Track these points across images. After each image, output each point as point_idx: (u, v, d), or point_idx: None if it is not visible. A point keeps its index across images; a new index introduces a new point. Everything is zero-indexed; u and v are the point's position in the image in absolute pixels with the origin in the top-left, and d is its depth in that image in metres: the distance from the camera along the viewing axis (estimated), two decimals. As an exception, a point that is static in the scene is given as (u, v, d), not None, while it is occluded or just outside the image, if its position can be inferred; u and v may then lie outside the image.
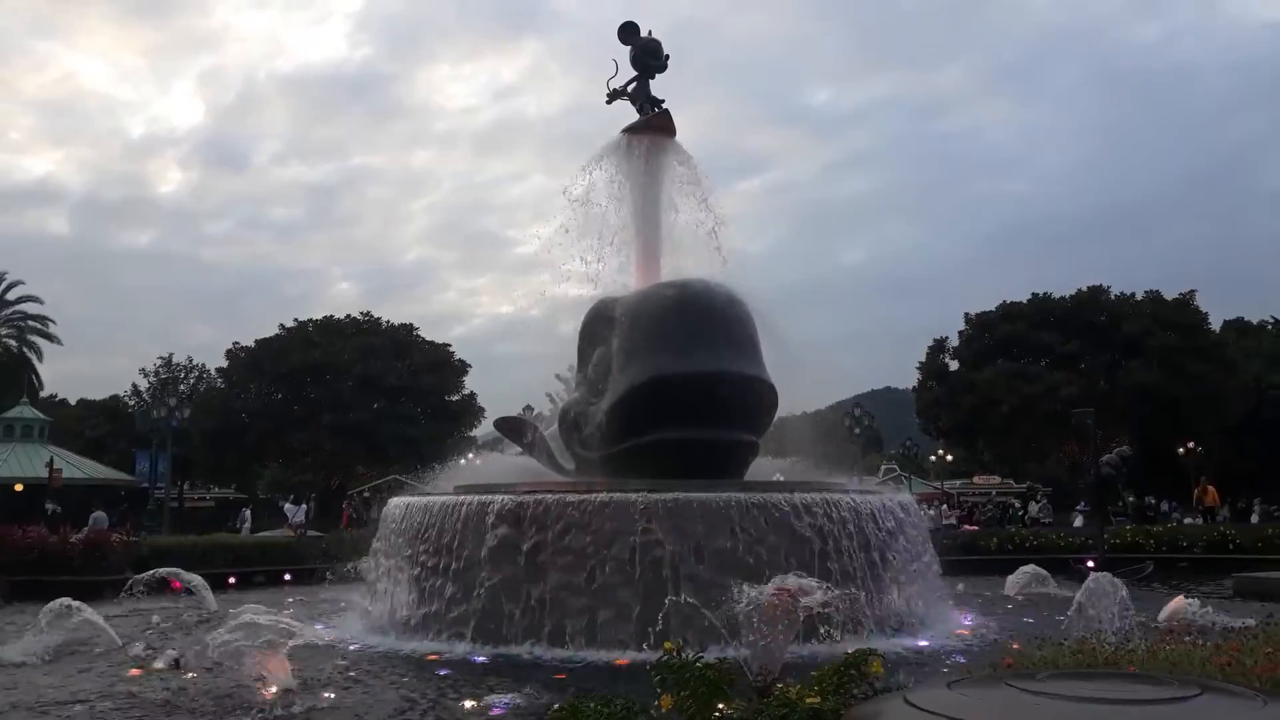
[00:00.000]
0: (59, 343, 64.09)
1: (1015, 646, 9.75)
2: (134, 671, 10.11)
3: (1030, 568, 18.36)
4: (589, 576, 11.56)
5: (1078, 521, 34.66)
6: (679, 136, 17.13)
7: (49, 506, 33.60)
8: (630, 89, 17.49)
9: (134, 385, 59.54)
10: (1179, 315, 46.03)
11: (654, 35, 17.54)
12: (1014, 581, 18.14)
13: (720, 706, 4.07)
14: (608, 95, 17.70)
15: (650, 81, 17.45)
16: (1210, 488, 34.70)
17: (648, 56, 17.43)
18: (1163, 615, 11.90)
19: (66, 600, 11.96)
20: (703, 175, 17.15)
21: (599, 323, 15.30)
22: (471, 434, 51.86)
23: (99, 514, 29.36)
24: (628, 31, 17.53)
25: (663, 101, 17.36)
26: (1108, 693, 2.68)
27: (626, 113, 17.49)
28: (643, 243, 16.90)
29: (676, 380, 13.35)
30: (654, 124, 17.04)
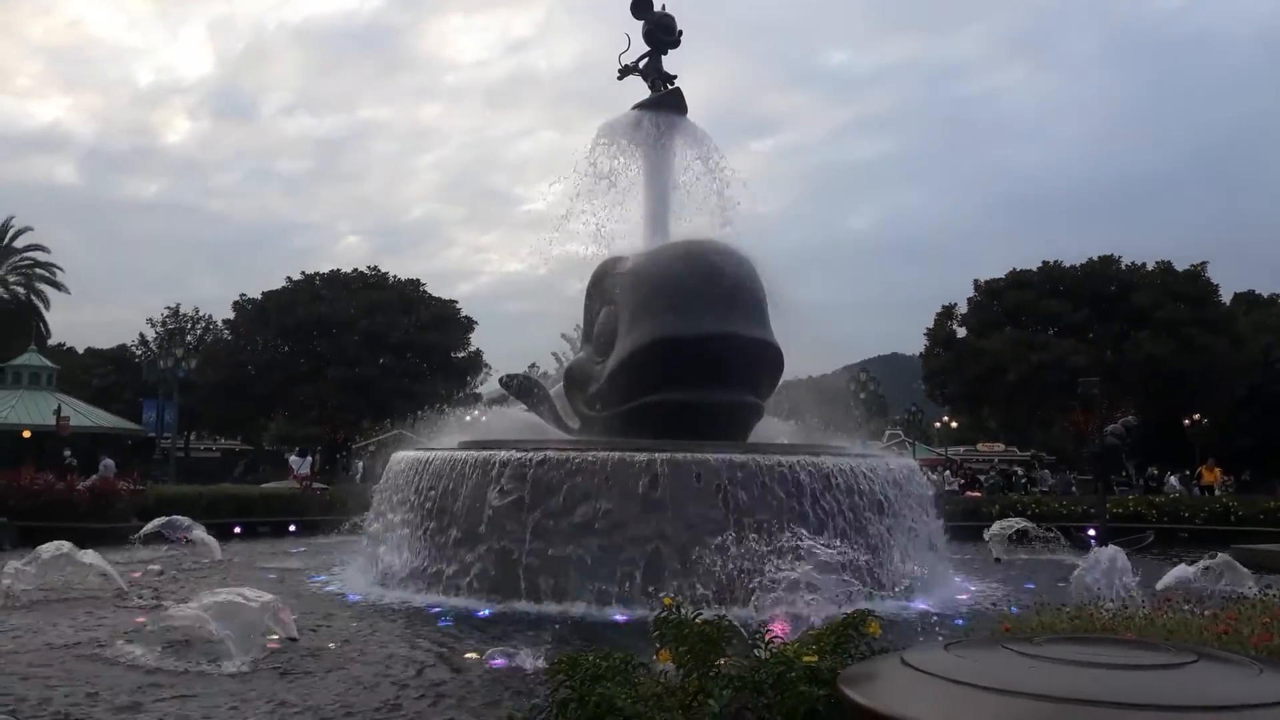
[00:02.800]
0: (67, 291, 64.26)
1: (1014, 611, 9.82)
2: (139, 619, 10.22)
3: (1014, 521, 18.54)
4: (591, 534, 11.62)
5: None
6: (690, 109, 16.95)
7: (66, 454, 33.80)
8: (642, 65, 17.30)
9: (141, 335, 59.71)
10: (1189, 287, 45.75)
11: (666, 9, 17.32)
12: (996, 533, 18.30)
13: (718, 662, 4.10)
14: (619, 71, 17.50)
15: (663, 56, 17.26)
16: (1212, 468, 34.83)
17: (660, 31, 17.21)
18: (1161, 583, 11.96)
19: (63, 544, 12.05)
20: (714, 150, 16.96)
21: (605, 282, 15.27)
22: (477, 391, 51.99)
23: (108, 461, 29.58)
24: (640, 6, 17.28)
25: (675, 78, 17.17)
26: (1104, 658, 2.68)
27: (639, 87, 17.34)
28: (651, 215, 16.81)
29: (681, 341, 13.34)
30: (666, 102, 16.86)
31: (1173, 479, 37.32)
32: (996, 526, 18.68)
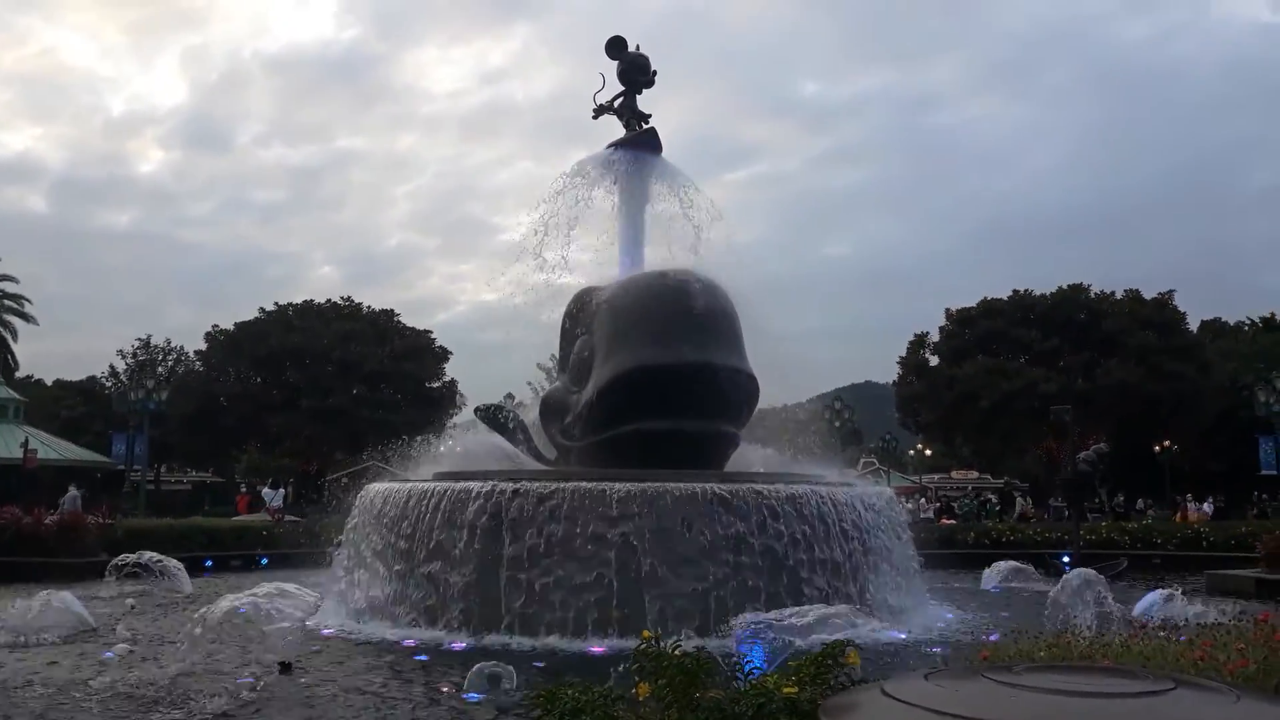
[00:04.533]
0: (35, 322, 63.37)
1: (992, 639, 9.84)
2: (105, 656, 10.04)
3: (1008, 563, 18.57)
4: (567, 565, 11.55)
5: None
6: (665, 139, 17.02)
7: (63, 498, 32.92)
8: (617, 104, 17.43)
9: (111, 366, 59.01)
10: (1157, 314, 46.36)
11: (640, 49, 17.46)
12: (991, 575, 18.33)
13: (697, 695, 4.08)
14: (595, 110, 17.61)
15: (638, 96, 17.39)
16: (1186, 510, 35.32)
17: (635, 72, 17.36)
18: (1138, 608, 12.02)
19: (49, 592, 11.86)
20: (689, 186, 17.03)
21: (581, 312, 15.29)
22: (451, 422, 51.72)
23: (73, 493, 29.05)
24: (615, 46, 17.43)
25: (649, 117, 17.31)
26: (1083, 686, 2.69)
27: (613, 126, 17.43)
28: (626, 246, 16.86)
29: (658, 370, 13.36)
30: (641, 141, 16.97)
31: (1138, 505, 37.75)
32: (993, 571, 18.63)
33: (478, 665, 8.54)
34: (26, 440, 40.08)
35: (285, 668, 9.04)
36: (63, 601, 11.81)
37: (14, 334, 62.21)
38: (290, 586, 8.83)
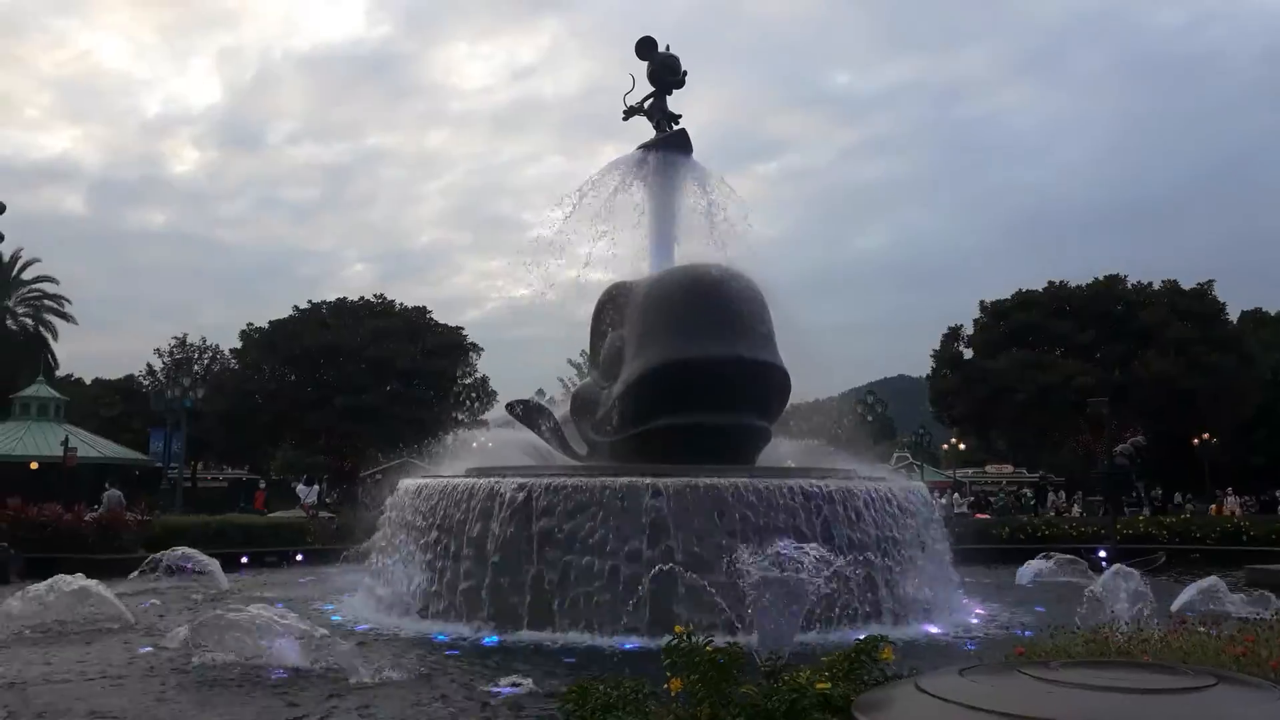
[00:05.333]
0: (74, 322, 64.34)
1: (1027, 634, 9.73)
2: (146, 650, 10.16)
3: (1056, 555, 18.36)
4: (598, 560, 11.55)
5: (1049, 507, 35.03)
6: (694, 133, 16.94)
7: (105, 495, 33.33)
8: (647, 105, 17.38)
9: (148, 365, 59.72)
10: (1196, 305, 45.60)
11: (670, 49, 17.39)
12: (1027, 570, 18.15)
13: (729, 690, 4.05)
14: (625, 112, 17.57)
15: (668, 96, 17.33)
16: (1223, 505, 34.88)
17: (665, 72, 17.29)
18: (1177, 603, 11.85)
19: (76, 578, 12.03)
20: (719, 185, 16.95)
21: (612, 307, 15.28)
22: (483, 418, 51.93)
23: (113, 492, 29.47)
24: (645, 47, 17.37)
25: (679, 117, 17.25)
26: (1122, 682, 2.63)
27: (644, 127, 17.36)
28: (657, 244, 16.81)
29: (689, 365, 13.33)
30: (671, 143, 16.90)
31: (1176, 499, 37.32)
32: (1036, 563, 18.49)
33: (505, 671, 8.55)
34: (67, 439, 40.67)
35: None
36: (97, 590, 11.99)
37: (54, 334, 63.18)
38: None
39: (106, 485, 30.79)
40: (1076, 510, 36.85)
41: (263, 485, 48.91)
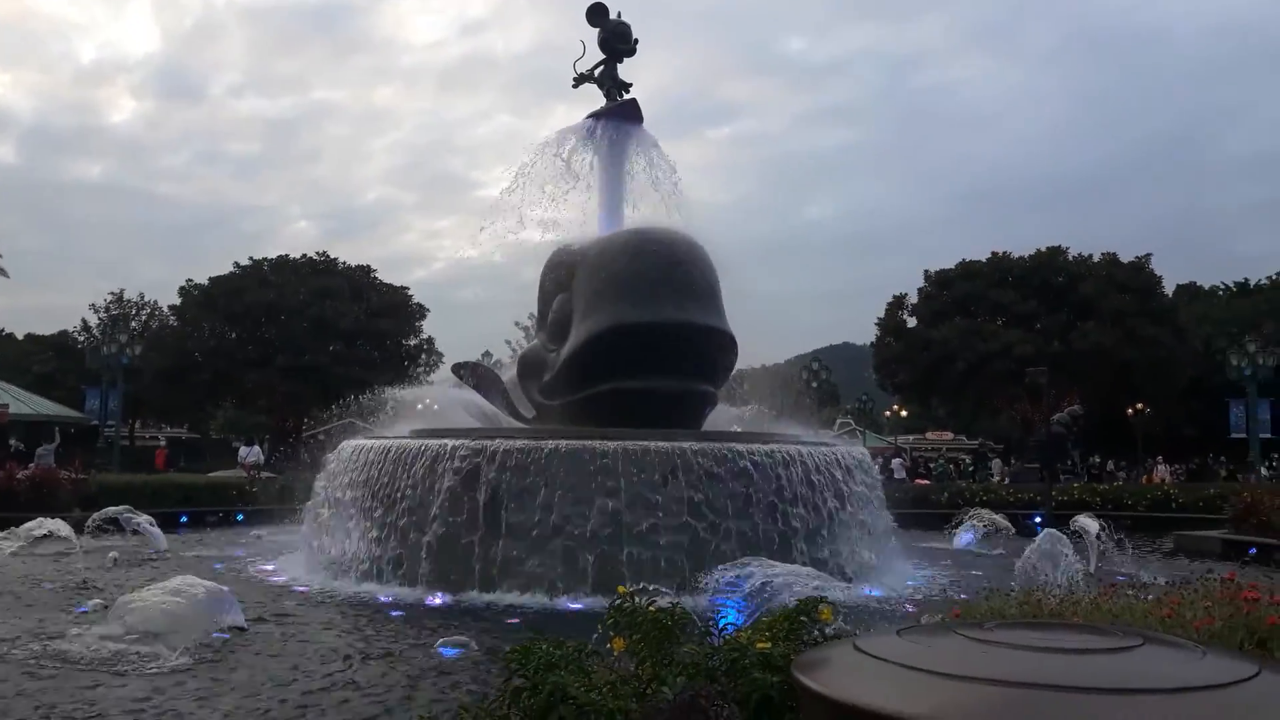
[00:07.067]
0: (5, 275, 62.62)
1: (963, 597, 9.96)
2: (79, 611, 10.01)
3: (985, 513, 18.80)
4: (544, 523, 11.58)
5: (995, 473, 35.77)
6: (647, 96, 16.93)
7: (12, 442, 32.88)
8: (597, 73, 17.16)
9: (84, 321, 58.43)
10: (1134, 278, 46.59)
11: (623, 18, 17.18)
12: (966, 531, 18.54)
13: (671, 650, 4.09)
14: (575, 79, 17.33)
15: (619, 65, 17.14)
16: (1154, 472, 35.84)
17: (616, 40, 17.08)
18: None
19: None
20: (668, 163, 16.89)
21: (559, 270, 15.21)
22: (429, 379, 51.57)
23: (44, 447, 28.83)
24: (596, 13, 17.11)
25: (630, 85, 17.07)
26: (1054, 642, 2.69)
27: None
28: (606, 208, 16.75)
29: (635, 329, 13.33)
30: (622, 112, 16.75)
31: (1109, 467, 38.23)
32: (968, 525, 18.90)
33: (449, 631, 8.54)
34: (-2, 395, 39.69)
35: (239, 631, 8.92)
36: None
37: (-16, 287, 61.39)
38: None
39: (43, 443, 30.14)
40: (995, 476, 37.55)
41: (163, 444, 48.37)
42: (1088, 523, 13.59)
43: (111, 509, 15.91)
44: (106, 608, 9.68)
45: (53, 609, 10.19)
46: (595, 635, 4.29)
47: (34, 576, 12.19)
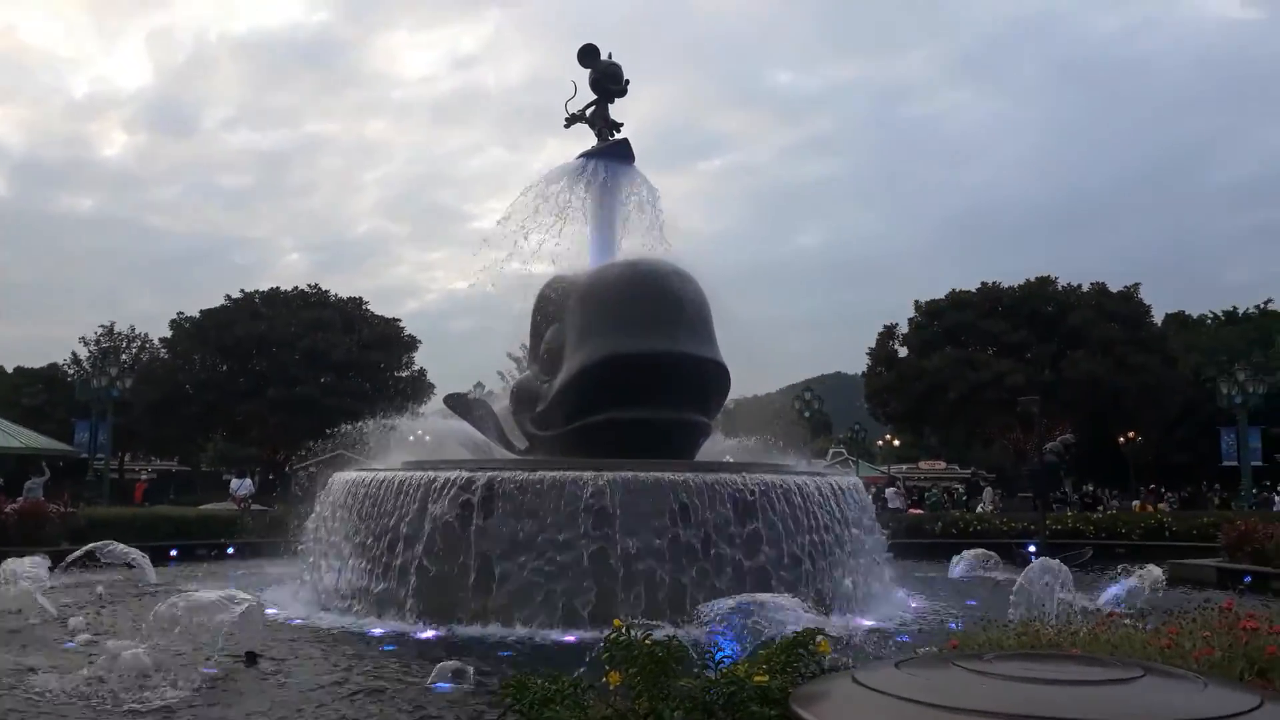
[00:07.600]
0: (-4, 308, 62.52)
1: (960, 628, 9.90)
2: (66, 646, 9.89)
3: (978, 551, 18.74)
4: (538, 554, 11.51)
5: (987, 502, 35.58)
6: (637, 129, 17.03)
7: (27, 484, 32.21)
8: (589, 113, 17.24)
9: (74, 354, 58.24)
10: (1123, 307, 46.88)
11: (614, 58, 17.30)
12: (959, 563, 18.50)
13: (668, 684, 4.06)
14: (566, 120, 17.39)
15: (610, 105, 17.23)
16: (1146, 503, 35.79)
17: (608, 81, 17.16)
18: (1104, 599, 12.15)
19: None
20: (658, 204, 16.93)
21: (552, 301, 15.22)
22: (420, 411, 51.42)
23: (33, 481, 28.57)
24: (587, 55, 17.21)
25: (621, 125, 17.15)
26: (1054, 673, 2.69)
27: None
28: (598, 243, 16.76)
29: (629, 360, 13.32)
30: (613, 152, 16.80)
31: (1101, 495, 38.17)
32: (962, 558, 18.82)
33: (442, 664, 8.46)
34: (-14, 428, 39.42)
35: (251, 659, 8.94)
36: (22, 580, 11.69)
37: (-26, 320, 61.23)
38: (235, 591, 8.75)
39: (32, 475, 29.90)
40: (987, 506, 37.42)
41: (143, 478, 48.16)
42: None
43: (92, 544, 15.74)
44: (93, 642, 9.59)
45: (38, 644, 10.07)
46: (582, 668, 4.25)
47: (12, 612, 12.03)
